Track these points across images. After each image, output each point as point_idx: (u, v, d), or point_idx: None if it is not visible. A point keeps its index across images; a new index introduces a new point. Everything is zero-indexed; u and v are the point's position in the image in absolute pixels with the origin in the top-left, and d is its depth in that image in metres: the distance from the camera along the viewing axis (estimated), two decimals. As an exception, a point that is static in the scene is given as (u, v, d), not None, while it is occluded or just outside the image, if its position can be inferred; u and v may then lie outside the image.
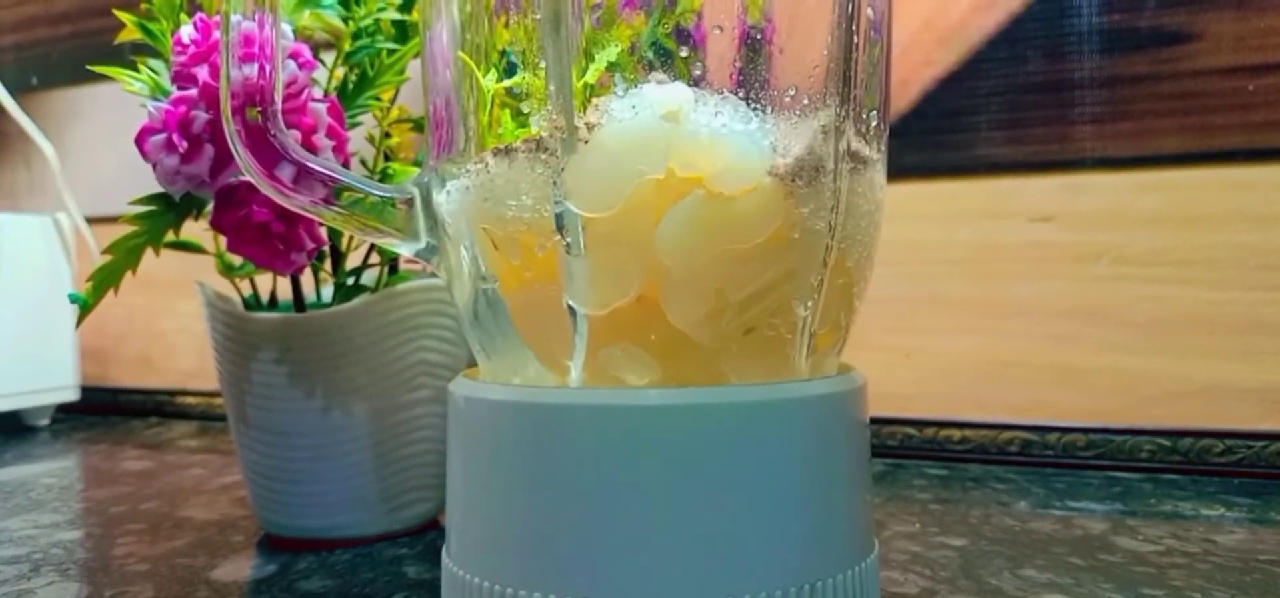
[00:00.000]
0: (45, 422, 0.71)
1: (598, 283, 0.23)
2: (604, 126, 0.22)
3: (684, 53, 0.24)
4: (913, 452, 0.51)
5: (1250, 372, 0.46)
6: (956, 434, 0.51)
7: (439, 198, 0.26)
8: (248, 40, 0.25)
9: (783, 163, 0.23)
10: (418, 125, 0.39)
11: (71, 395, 0.71)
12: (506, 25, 0.25)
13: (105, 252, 0.33)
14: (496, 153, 0.24)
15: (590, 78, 0.23)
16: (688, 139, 0.22)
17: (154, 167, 0.32)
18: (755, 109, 0.23)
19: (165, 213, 0.34)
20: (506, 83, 0.25)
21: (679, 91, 0.22)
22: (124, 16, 0.35)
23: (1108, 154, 0.49)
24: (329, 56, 0.36)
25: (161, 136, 0.32)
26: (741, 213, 0.22)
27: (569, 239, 0.23)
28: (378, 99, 0.36)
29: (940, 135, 0.52)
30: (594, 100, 0.23)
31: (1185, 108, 0.47)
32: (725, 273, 0.23)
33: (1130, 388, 0.48)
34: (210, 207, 0.33)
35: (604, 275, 0.23)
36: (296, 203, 0.26)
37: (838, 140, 0.23)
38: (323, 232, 0.34)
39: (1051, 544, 0.34)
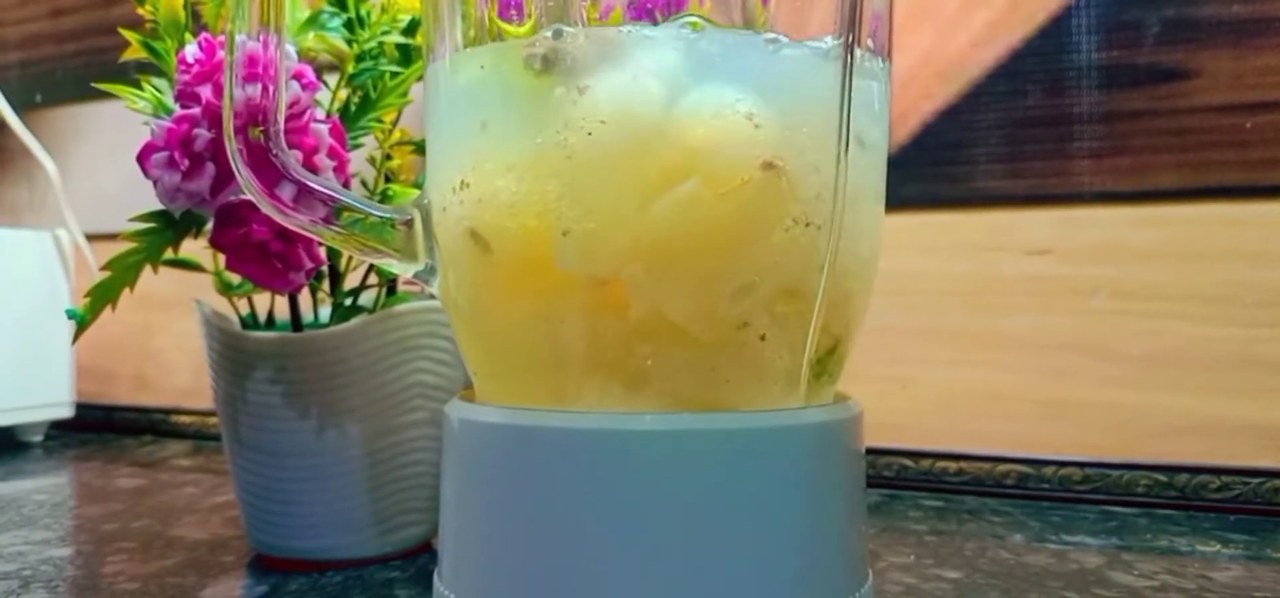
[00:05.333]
0: (39, 438, 0.71)
1: (590, 249, 0.23)
2: (603, 97, 0.22)
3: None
4: (908, 483, 0.51)
5: (1247, 408, 0.46)
6: (952, 466, 0.51)
7: (438, 219, 0.26)
8: (252, 60, 0.25)
9: (778, 154, 0.22)
10: (419, 148, 0.39)
11: (66, 412, 0.71)
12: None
13: (104, 268, 0.33)
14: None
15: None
16: (685, 121, 0.22)
17: (155, 184, 0.32)
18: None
19: (164, 230, 0.34)
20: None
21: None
22: (129, 35, 0.35)
23: (1105, 188, 0.49)
24: (332, 78, 0.36)
25: (163, 154, 0.32)
26: (735, 202, 0.22)
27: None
28: (380, 121, 0.37)
29: (939, 167, 0.52)
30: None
31: (1183, 144, 0.48)
32: (718, 262, 0.22)
33: (1127, 423, 0.48)
34: (210, 225, 0.33)
35: (596, 244, 0.23)
36: (296, 222, 0.26)
37: (842, 132, 0.23)
38: (322, 252, 0.34)
39: (1046, 578, 0.34)
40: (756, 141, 0.22)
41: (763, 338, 0.23)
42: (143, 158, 0.32)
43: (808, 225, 0.23)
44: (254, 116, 0.25)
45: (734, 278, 0.23)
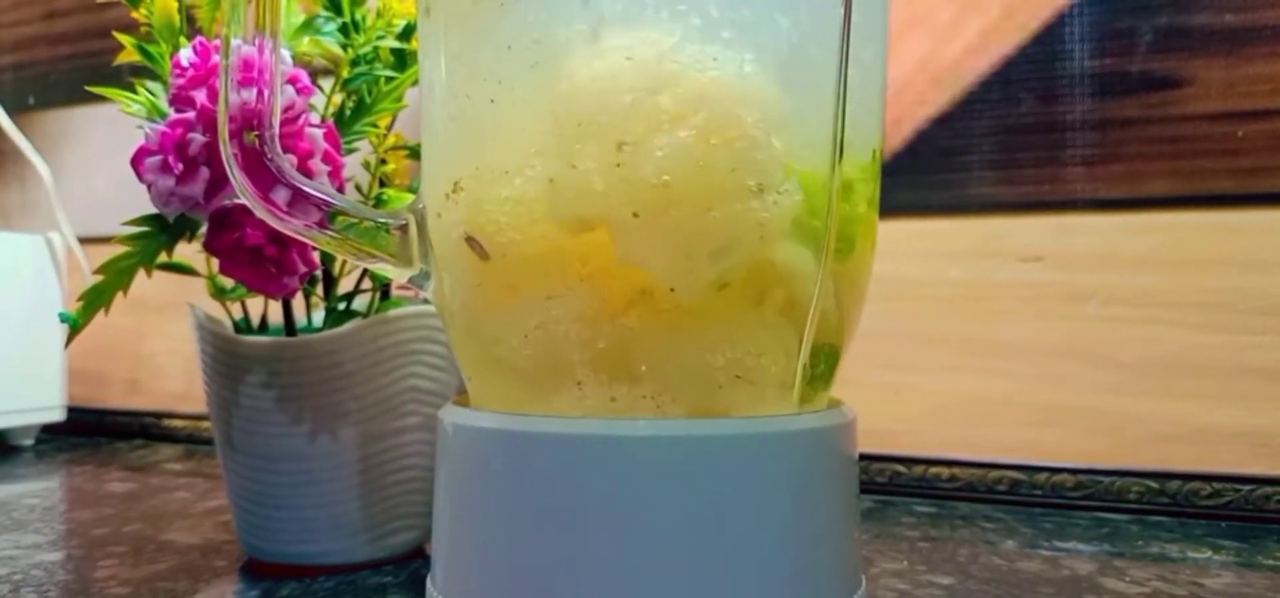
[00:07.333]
0: (30, 442, 0.71)
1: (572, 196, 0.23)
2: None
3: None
4: (901, 489, 0.51)
5: (1238, 415, 0.46)
6: (945, 472, 0.51)
7: (432, 224, 0.26)
8: (247, 65, 0.25)
9: (760, 111, 0.22)
10: (414, 153, 0.39)
11: (57, 416, 0.70)
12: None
13: (97, 272, 0.33)
14: None
15: None
16: (673, 77, 0.22)
17: (149, 188, 0.32)
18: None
19: (158, 234, 0.34)
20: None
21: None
22: (123, 38, 0.35)
23: (1098, 195, 0.49)
24: (327, 82, 0.36)
25: (157, 158, 0.32)
26: (711, 158, 0.22)
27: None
28: (374, 126, 0.36)
29: (933, 174, 0.52)
30: None
31: (1175, 151, 0.48)
32: (694, 218, 0.22)
33: (1119, 429, 0.48)
34: (203, 229, 0.33)
35: (578, 193, 0.23)
36: (290, 226, 0.26)
37: (840, 94, 0.23)
38: (316, 256, 0.34)
39: (1038, 585, 0.34)
40: (733, 94, 0.22)
41: (748, 301, 0.23)
42: (136, 162, 0.32)
43: (792, 185, 0.23)
44: (249, 121, 0.25)
45: (711, 237, 0.23)
